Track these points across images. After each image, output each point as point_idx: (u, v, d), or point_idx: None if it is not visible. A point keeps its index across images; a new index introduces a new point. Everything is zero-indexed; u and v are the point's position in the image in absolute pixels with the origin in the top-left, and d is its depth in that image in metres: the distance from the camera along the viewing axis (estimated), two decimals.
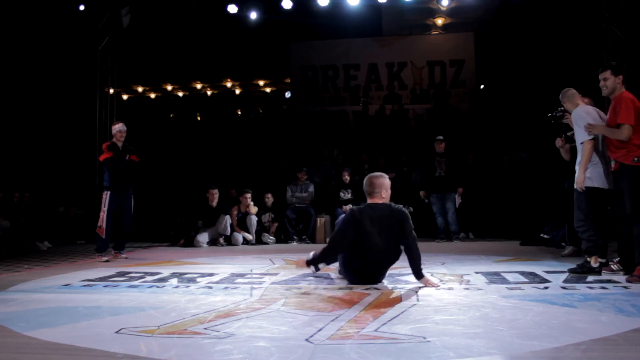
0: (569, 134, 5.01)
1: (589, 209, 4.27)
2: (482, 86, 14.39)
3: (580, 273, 4.23)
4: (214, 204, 8.17)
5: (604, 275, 4.16)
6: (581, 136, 4.28)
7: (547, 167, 6.29)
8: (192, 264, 5.59)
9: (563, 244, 6.28)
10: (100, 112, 9.88)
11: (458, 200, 8.09)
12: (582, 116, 4.29)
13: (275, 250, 7.23)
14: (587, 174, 4.27)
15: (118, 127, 6.41)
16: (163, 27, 12.93)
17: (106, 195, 6.22)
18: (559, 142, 5.11)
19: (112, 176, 6.24)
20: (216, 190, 8.22)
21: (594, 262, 4.24)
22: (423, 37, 14.62)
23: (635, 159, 3.91)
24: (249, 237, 8.21)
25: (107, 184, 6.27)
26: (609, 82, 4.08)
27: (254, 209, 8.38)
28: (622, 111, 3.93)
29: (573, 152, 4.79)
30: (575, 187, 4.35)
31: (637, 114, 3.93)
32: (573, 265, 4.44)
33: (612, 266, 4.20)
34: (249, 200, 8.34)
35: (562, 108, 4.84)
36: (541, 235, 6.85)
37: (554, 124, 5.05)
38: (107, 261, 6.02)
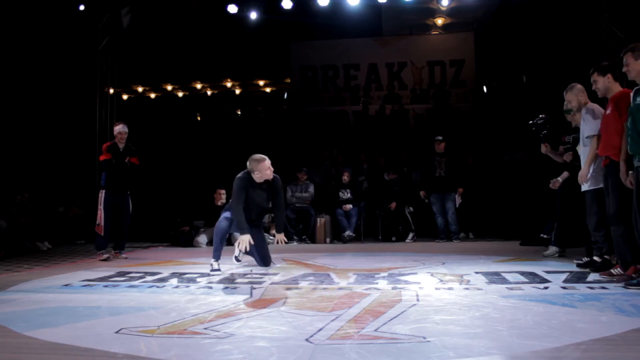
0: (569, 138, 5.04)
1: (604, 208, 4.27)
2: (485, 89, 14.32)
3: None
4: (219, 203, 8.16)
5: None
6: (588, 130, 4.29)
7: (546, 167, 6.28)
8: (192, 264, 5.58)
9: (548, 242, 6.05)
10: (100, 112, 9.86)
11: (458, 200, 8.09)
12: (592, 111, 4.30)
13: (275, 250, 7.21)
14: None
15: (119, 129, 6.38)
16: (163, 27, 12.92)
17: (102, 194, 6.23)
18: (543, 148, 5.15)
19: (108, 176, 6.26)
20: (224, 191, 8.24)
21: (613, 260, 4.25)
22: (423, 37, 14.58)
23: None
24: None
25: (103, 182, 6.30)
26: (599, 84, 4.08)
27: None
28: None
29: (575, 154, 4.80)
30: (579, 181, 4.35)
31: None
32: (573, 266, 4.45)
33: (612, 270, 4.19)
34: None
35: (543, 115, 4.89)
36: (541, 235, 6.83)
37: (535, 131, 5.09)
38: (107, 258, 6.02)
